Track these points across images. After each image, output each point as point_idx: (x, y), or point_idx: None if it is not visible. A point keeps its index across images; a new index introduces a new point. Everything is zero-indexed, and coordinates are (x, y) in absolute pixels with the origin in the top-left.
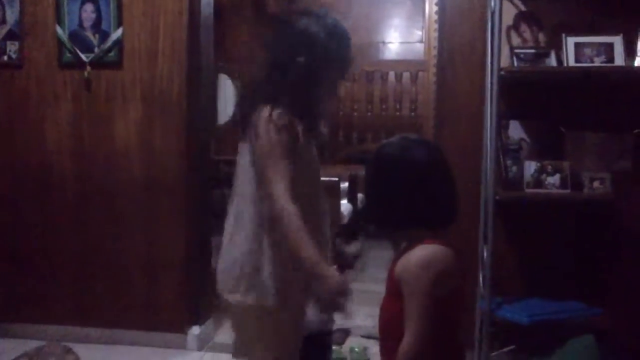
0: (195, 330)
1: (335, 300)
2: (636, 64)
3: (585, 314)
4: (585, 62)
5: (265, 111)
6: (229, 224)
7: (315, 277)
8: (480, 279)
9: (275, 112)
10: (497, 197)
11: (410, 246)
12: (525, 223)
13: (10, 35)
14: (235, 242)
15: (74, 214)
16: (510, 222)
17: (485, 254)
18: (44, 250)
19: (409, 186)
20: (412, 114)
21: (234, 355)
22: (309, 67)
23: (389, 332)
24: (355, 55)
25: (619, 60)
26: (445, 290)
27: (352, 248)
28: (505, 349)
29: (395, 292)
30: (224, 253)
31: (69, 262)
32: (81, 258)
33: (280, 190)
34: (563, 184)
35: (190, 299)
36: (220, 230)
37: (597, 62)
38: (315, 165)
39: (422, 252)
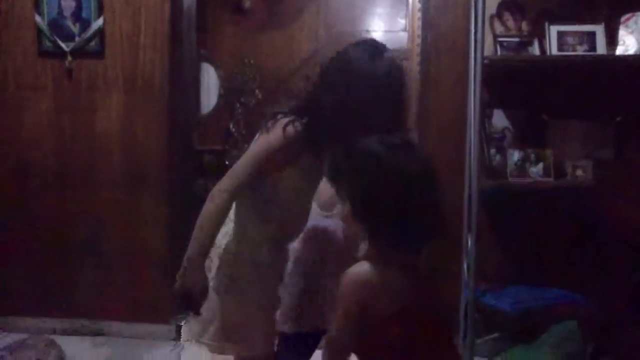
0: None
1: (187, 297)
2: (617, 52)
3: (567, 301)
4: (568, 51)
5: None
6: None
7: (183, 266)
8: (465, 267)
9: (291, 121)
10: (480, 186)
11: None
12: (508, 211)
13: None
14: None
15: (54, 206)
16: (493, 210)
17: (469, 243)
18: (24, 244)
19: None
20: None
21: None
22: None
23: None
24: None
25: (601, 49)
26: (381, 311)
27: None
28: (491, 336)
29: None
30: None
31: (50, 256)
32: (62, 250)
33: (226, 176)
34: (546, 172)
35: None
36: None
37: (580, 50)
38: (300, 198)
39: (354, 273)
